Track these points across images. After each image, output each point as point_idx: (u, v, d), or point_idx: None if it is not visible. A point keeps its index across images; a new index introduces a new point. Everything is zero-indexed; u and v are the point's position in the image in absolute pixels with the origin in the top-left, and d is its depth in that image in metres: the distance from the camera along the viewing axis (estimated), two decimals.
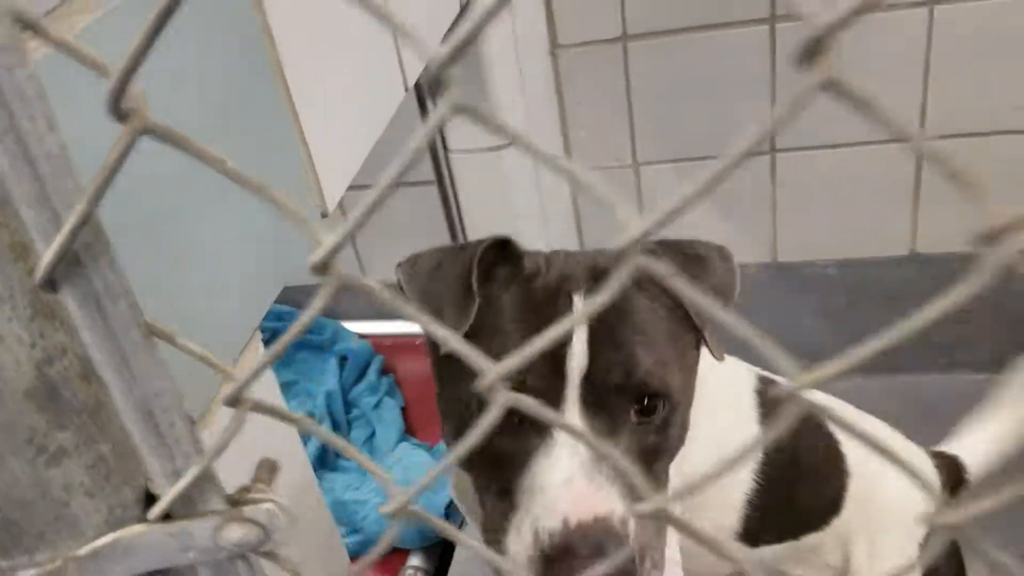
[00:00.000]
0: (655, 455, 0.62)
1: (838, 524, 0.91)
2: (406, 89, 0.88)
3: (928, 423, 1.05)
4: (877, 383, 1.59)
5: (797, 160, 1.51)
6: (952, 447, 1.02)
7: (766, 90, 1.44)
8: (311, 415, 1.53)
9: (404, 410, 1.57)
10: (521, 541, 0.58)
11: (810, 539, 0.91)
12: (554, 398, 0.59)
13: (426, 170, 1.36)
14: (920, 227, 1.54)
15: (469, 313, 0.60)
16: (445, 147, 1.31)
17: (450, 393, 0.67)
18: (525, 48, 1.39)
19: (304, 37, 0.64)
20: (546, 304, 0.62)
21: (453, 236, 1.42)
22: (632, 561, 0.57)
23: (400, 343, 1.64)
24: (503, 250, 0.66)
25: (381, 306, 0.26)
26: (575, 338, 0.59)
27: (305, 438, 1.00)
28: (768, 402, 0.86)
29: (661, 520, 0.50)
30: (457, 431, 0.66)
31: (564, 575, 0.56)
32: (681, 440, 0.66)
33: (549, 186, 1.45)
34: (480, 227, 1.37)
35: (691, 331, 0.66)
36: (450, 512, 1.29)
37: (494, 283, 0.65)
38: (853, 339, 0.22)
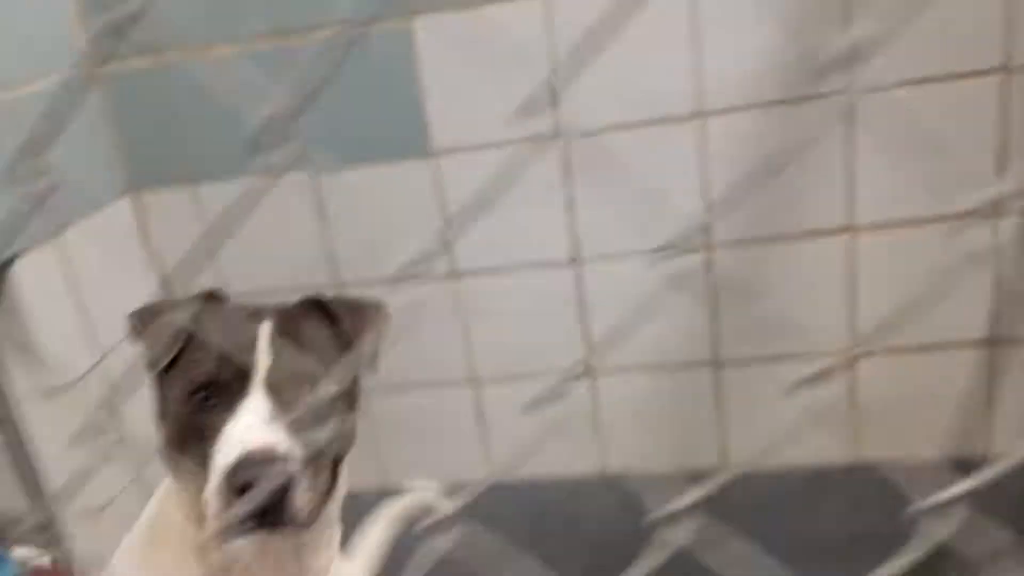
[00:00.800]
0: (322, 422, 0.83)
1: None
2: None
3: None
4: None
5: None
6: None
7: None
8: None
9: None
10: (215, 478, 0.76)
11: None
12: (244, 385, 0.82)
13: None
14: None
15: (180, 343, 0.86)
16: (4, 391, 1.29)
17: (168, 400, 0.87)
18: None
19: None
20: (243, 326, 0.86)
21: (25, 479, 1.35)
22: (290, 477, 0.77)
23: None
24: (212, 296, 0.92)
25: None
26: (261, 346, 0.84)
27: None
28: None
29: (320, 459, 0.83)
30: (174, 426, 0.86)
31: (243, 479, 0.75)
32: (351, 415, 0.91)
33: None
34: (57, 470, 1.35)
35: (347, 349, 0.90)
36: None
37: (205, 317, 0.87)
38: None
